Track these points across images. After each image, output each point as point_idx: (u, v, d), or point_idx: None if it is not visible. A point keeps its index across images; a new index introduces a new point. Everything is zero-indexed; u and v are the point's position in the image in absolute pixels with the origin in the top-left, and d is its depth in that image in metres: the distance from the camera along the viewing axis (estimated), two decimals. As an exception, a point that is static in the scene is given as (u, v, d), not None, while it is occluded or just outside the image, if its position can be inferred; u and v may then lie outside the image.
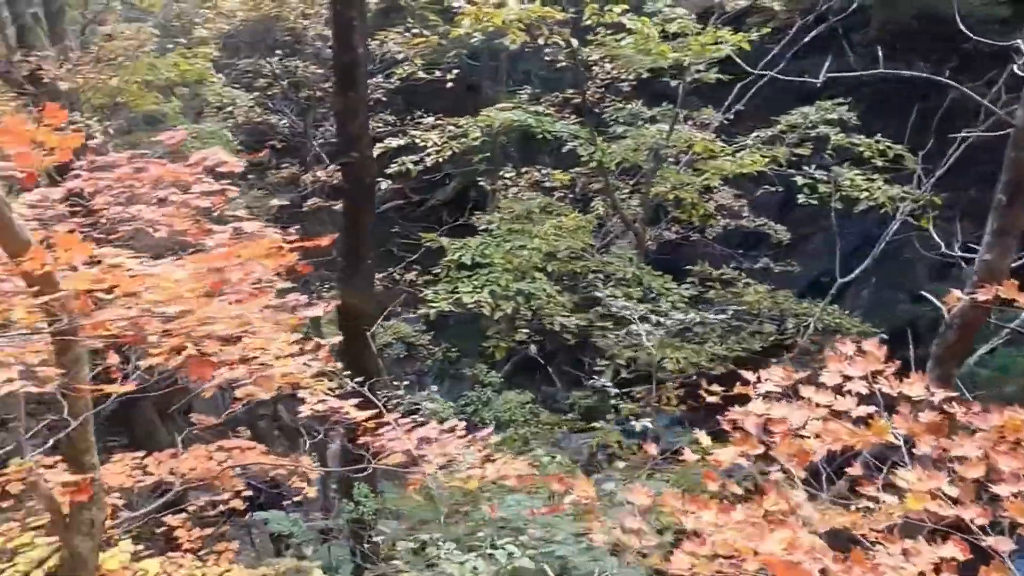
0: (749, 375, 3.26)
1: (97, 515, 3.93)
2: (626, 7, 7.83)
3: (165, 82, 11.81)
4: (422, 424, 4.79)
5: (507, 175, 11.63)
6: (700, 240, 12.13)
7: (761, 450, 3.35)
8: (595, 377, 7.58)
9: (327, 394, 4.39)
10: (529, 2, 7.84)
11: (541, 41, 7.74)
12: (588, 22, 8.23)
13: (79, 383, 3.73)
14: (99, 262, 2.92)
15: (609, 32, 9.29)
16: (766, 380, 3.26)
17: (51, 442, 3.38)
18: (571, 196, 11.63)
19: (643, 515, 3.06)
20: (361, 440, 5.28)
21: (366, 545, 6.21)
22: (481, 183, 11.55)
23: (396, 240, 13.43)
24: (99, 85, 8.67)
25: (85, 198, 4.55)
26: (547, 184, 11.43)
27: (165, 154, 5.82)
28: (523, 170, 11.67)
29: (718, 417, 3.62)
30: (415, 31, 8.62)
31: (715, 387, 3.35)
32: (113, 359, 4.01)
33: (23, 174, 3.92)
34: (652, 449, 3.53)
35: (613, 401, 7.43)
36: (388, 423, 4.53)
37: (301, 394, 5.05)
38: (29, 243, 3.43)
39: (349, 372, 5.10)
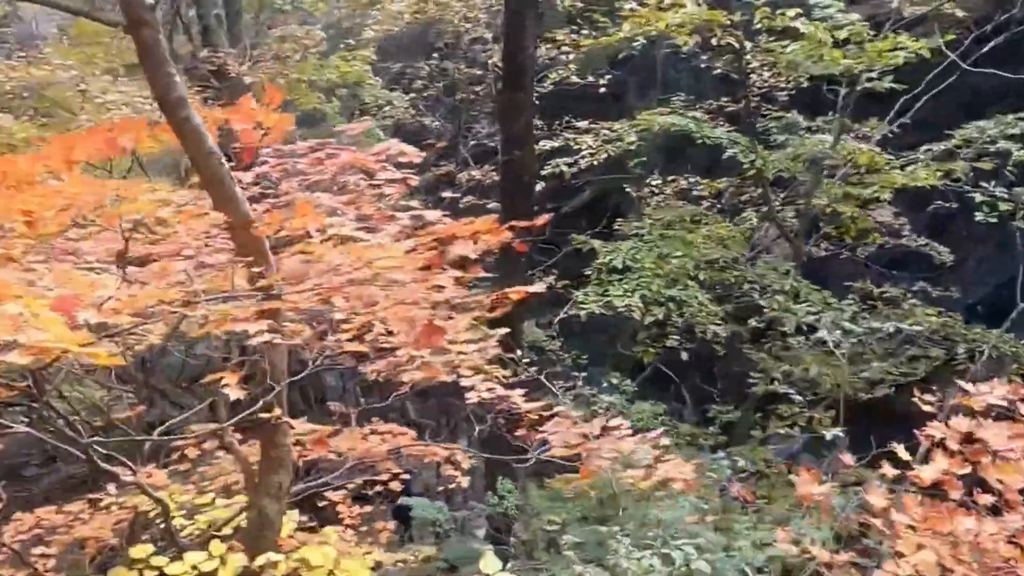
0: (970, 387, 3.05)
1: (284, 479, 4.12)
2: (799, 11, 7.59)
3: (327, 83, 12.39)
4: (587, 420, 4.77)
5: (653, 183, 11.50)
6: (849, 258, 11.62)
7: (968, 469, 3.15)
8: (776, 384, 7.25)
9: (503, 381, 4.43)
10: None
11: (714, 42, 7.61)
12: (758, 26, 8.03)
13: (279, 352, 3.93)
14: (323, 230, 3.06)
15: (772, 39, 9.05)
16: (986, 394, 3.05)
17: (258, 405, 3.56)
18: (718, 207, 11.38)
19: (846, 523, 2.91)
20: (519, 432, 5.33)
21: (512, 539, 6.24)
22: (627, 190, 11.47)
23: (534, 244, 13.52)
24: (277, 82, 9.18)
25: (273, 183, 4.80)
26: (694, 193, 11.23)
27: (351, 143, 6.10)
28: (670, 178, 11.52)
29: (915, 431, 3.43)
30: (584, 32, 8.67)
31: (927, 396, 3.15)
32: (306, 332, 4.20)
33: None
34: (847, 458, 3.37)
35: (798, 410, 7.14)
36: (553, 415, 4.52)
37: (465, 382, 5.13)
38: (248, 216, 3.64)
39: (527, 362, 5.15)
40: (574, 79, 10.79)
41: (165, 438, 4.61)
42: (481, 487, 10.53)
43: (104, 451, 3.77)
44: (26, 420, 5.57)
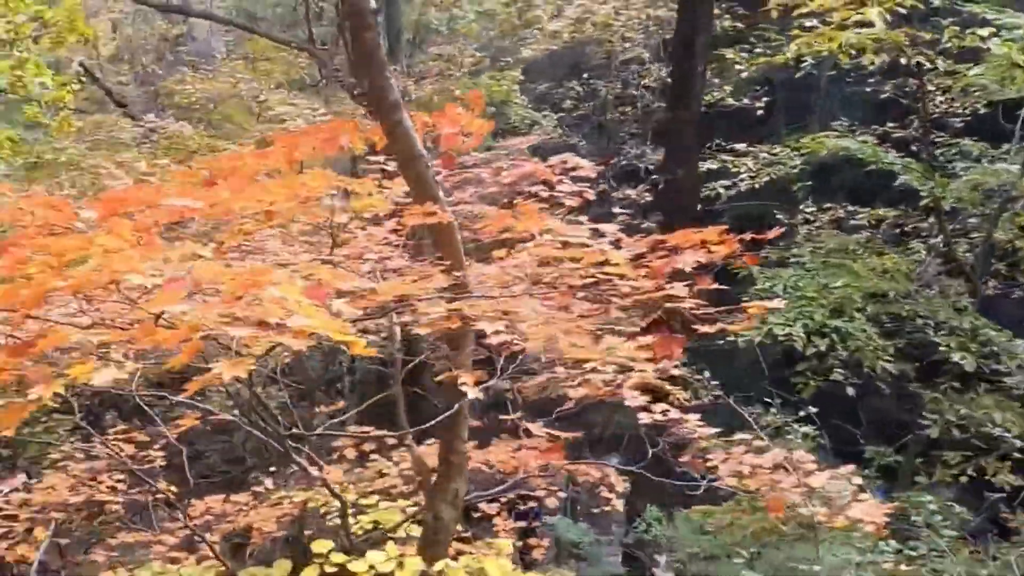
0: None
1: (461, 487, 4.10)
2: (993, 30, 7.10)
3: (476, 100, 12.60)
4: (764, 450, 4.55)
5: (807, 209, 11.05)
6: (1020, 298, 10.78)
7: None
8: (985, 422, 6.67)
9: (685, 402, 4.27)
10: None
11: (903, 61, 7.24)
12: (947, 45, 7.58)
13: (465, 356, 3.92)
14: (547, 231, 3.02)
15: (948, 61, 8.55)
16: None
17: (452, 411, 3.55)
18: (877, 237, 10.80)
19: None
20: (685, 458, 5.13)
21: (657, 569, 6.02)
22: (778, 216, 11.07)
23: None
24: (436, 97, 9.43)
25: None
26: (852, 222, 10.71)
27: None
28: (826, 205, 11.03)
29: None
30: (758, 51, 8.46)
31: None
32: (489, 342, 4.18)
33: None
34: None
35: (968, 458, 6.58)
36: (735, 442, 4.32)
37: (630, 402, 5.00)
38: (449, 218, 3.66)
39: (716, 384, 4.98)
40: (729, 100, 10.54)
41: (351, 435, 4.70)
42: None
43: (295, 445, 3.86)
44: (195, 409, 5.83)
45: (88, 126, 11.99)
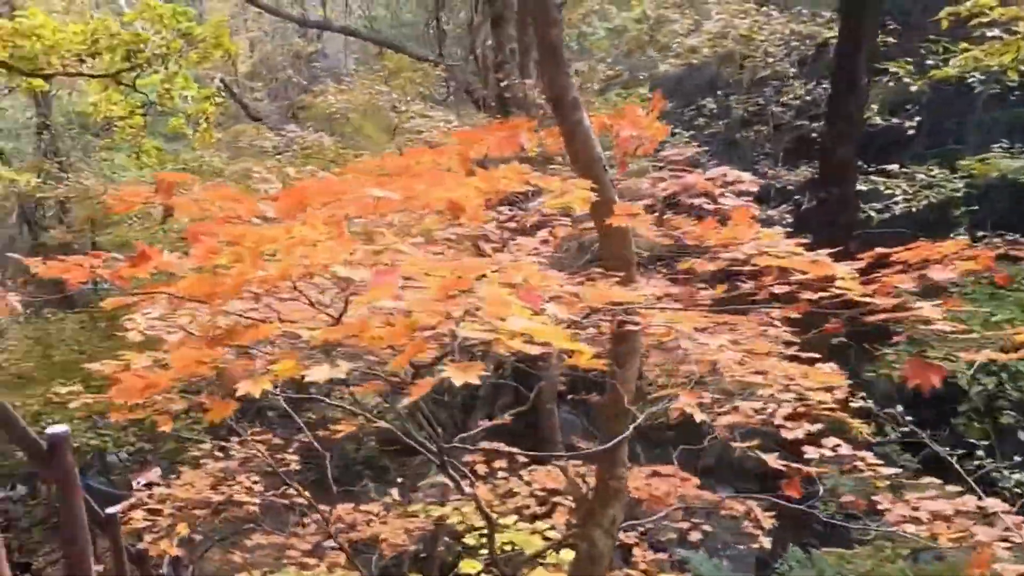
0: None
1: (618, 514, 3.85)
2: None
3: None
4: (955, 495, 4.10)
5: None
6: None
7: None
8: None
9: (868, 437, 3.89)
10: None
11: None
12: None
13: (630, 374, 3.67)
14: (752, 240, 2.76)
15: None
16: None
17: (624, 436, 3.31)
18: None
19: None
20: (848, 498, 4.72)
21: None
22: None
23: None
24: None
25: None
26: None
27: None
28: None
29: None
30: (929, 63, 7.93)
31: None
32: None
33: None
34: None
35: None
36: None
37: (786, 434, 4.64)
38: (625, 229, 3.44)
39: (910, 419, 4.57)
40: (876, 119, 9.94)
41: (507, 451, 4.53)
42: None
43: (449, 459, 3.69)
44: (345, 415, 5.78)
45: (227, 136, 12.48)
